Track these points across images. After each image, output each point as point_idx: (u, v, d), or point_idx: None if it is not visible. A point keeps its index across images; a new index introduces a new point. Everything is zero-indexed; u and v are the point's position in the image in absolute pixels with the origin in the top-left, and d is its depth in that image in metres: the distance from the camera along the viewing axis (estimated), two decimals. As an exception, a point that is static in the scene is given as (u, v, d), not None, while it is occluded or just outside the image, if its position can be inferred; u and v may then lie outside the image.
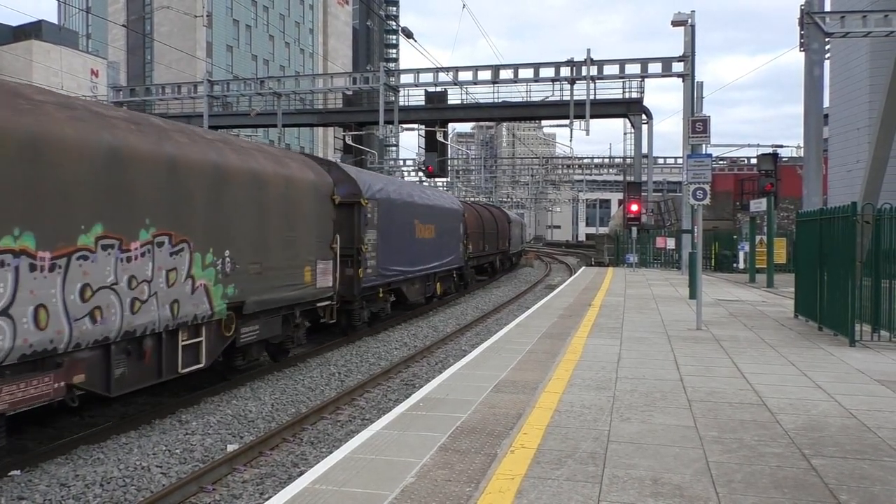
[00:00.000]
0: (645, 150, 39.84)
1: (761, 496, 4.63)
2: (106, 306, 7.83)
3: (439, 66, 33.83)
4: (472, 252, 28.29)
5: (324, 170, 14.21)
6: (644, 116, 38.61)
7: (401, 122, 37.73)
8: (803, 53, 23.30)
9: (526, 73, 34.92)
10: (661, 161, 65.78)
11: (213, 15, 78.39)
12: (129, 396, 10.61)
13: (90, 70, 69.68)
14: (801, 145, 36.19)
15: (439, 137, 37.88)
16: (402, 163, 66.57)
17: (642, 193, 36.65)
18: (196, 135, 10.12)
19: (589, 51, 33.13)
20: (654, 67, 32.73)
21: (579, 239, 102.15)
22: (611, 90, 38.78)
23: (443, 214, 23.06)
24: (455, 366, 9.13)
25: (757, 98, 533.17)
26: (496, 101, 39.02)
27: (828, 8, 26.97)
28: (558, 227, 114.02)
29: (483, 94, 39.05)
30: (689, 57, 29.32)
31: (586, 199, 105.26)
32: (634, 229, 33.21)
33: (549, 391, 7.58)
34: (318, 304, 13.56)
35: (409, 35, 25.07)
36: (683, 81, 29.76)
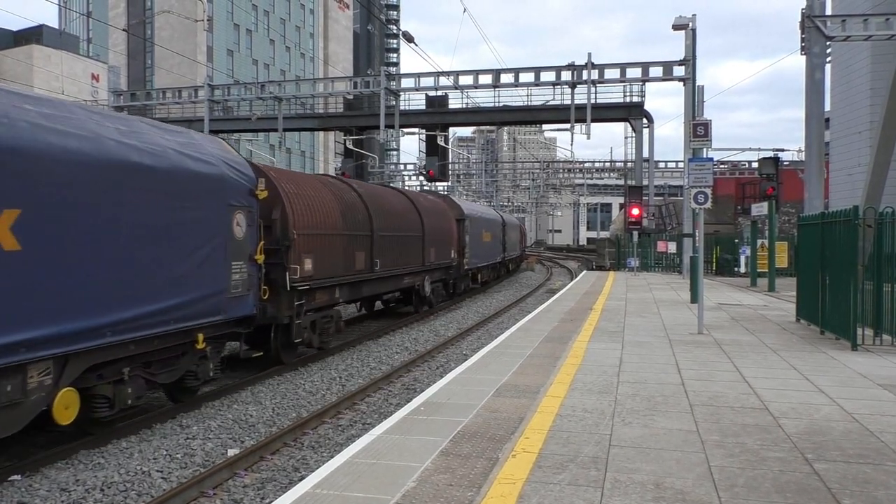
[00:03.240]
0: (646, 153, 39.84)
1: (764, 500, 4.61)
2: None
3: (440, 70, 33.87)
4: (311, 274, 13.42)
5: None
6: (645, 120, 38.61)
7: (402, 126, 37.75)
8: (804, 57, 23.31)
9: (527, 77, 34.96)
10: (662, 165, 65.70)
11: (214, 19, 78.53)
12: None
13: (91, 74, 69.82)
14: (803, 149, 36.24)
15: (440, 141, 37.88)
16: (402, 167, 66.59)
17: (643, 197, 36.65)
18: None
19: (590, 55, 33.21)
20: (655, 71, 32.79)
21: (580, 243, 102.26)
22: (612, 94, 38.79)
23: (103, 179, 8.01)
24: (456, 370, 9.11)
25: (756, 102, 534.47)
26: (497, 105, 39.05)
27: (829, 11, 26.99)
28: (559, 231, 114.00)
29: (484, 98, 39.19)
30: (689, 60, 29.35)
31: (587, 203, 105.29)
32: (636, 233, 33.22)
33: (551, 395, 7.56)
34: None
35: (409, 39, 25.09)
36: (684, 85, 29.79)
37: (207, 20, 75.55)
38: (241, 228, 10.77)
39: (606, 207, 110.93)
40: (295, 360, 13.46)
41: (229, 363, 12.55)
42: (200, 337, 9.91)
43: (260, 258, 11.39)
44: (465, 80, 35.85)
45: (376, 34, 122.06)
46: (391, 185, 34.96)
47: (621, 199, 64.02)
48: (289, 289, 12.55)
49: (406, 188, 39.79)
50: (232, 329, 10.92)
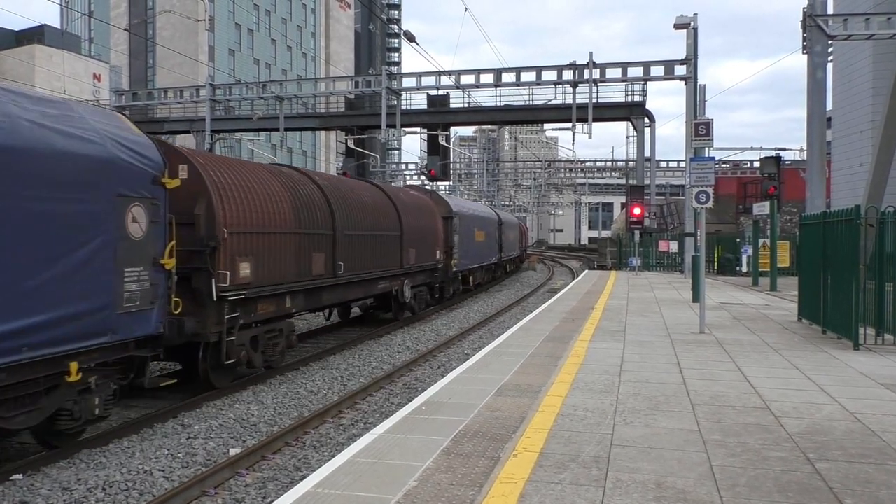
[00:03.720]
0: (647, 153, 39.80)
1: (765, 500, 4.61)
2: None
3: (442, 69, 33.87)
4: (249, 281, 11.46)
5: None
6: (646, 119, 38.56)
7: (403, 125, 37.72)
8: (806, 57, 23.30)
9: (528, 77, 34.94)
10: (663, 164, 65.63)
11: (216, 19, 78.58)
12: (130, 399, 10.60)
13: (92, 74, 69.78)
14: (804, 148, 36.19)
15: (441, 141, 37.86)
16: (404, 166, 66.60)
17: (645, 197, 36.62)
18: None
19: (591, 54, 33.24)
20: (657, 70, 32.79)
21: (582, 242, 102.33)
22: (613, 93, 38.83)
23: None
24: (458, 369, 9.11)
25: (758, 102, 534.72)
26: (498, 104, 39.01)
27: (830, 10, 26.97)
28: (561, 230, 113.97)
29: (485, 98, 39.15)
30: (691, 60, 29.33)
31: (589, 203, 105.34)
32: (637, 233, 33.20)
33: (552, 395, 7.56)
34: None
35: (411, 39, 25.08)
36: (686, 84, 29.77)
37: (209, 20, 75.61)
38: (139, 225, 8.48)
39: (608, 207, 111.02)
40: (232, 384, 11.42)
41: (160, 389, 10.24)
42: (74, 367, 7.61)
43: (169, 263, 9.04)
44: (467, 79, 35.85)
45: (378, 34, 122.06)
46: (391, 183, 34.83)
47: (623, 199, 64.00)
48: (216, 299, 10.35)
49: (407, 186, 39.44)
50: (131, 353, 8.61)
